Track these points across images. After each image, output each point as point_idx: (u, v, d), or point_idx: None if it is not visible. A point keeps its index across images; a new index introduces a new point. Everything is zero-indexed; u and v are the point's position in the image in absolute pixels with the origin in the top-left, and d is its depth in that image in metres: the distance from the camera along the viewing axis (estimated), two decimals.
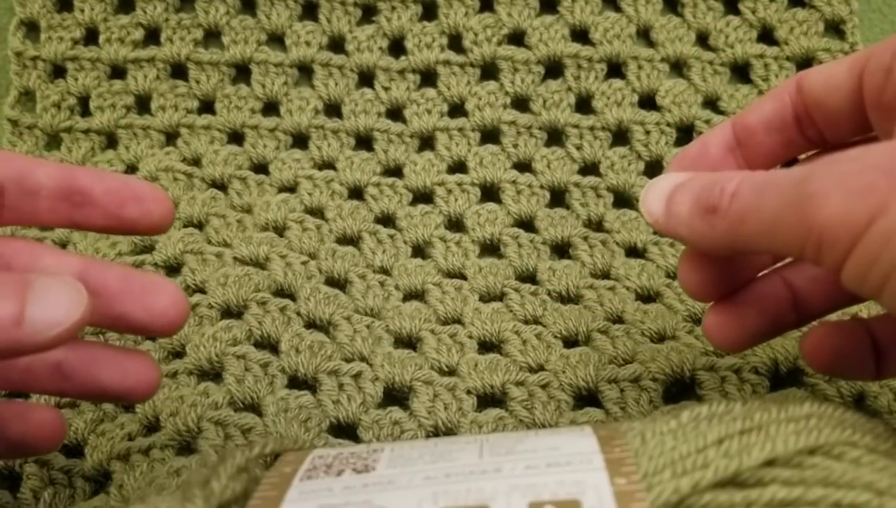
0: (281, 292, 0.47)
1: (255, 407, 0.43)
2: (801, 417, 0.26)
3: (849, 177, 0.24)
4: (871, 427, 0.26)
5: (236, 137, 0.55)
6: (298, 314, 0.46)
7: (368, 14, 0.55)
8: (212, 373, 0.44)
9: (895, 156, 0.24)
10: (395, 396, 0.44)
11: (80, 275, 0.32)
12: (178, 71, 0.56)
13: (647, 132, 0.52)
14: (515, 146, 0.53)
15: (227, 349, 0.44)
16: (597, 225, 0.51)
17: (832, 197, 0.24)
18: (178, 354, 0.45)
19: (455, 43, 0.55)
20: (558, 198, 0.52)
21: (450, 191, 0.52)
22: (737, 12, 0.54)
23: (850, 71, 0.32)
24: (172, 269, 0.49)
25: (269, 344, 0.45)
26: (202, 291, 0.47)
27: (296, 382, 0.44)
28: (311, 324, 0.46)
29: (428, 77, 0.55)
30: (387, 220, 0.52)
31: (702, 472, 0.23)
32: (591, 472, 0.24)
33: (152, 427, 0.42)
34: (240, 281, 0.46)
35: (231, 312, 0.46)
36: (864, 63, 0.31)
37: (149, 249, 0.49)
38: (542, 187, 0.52)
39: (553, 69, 0.54)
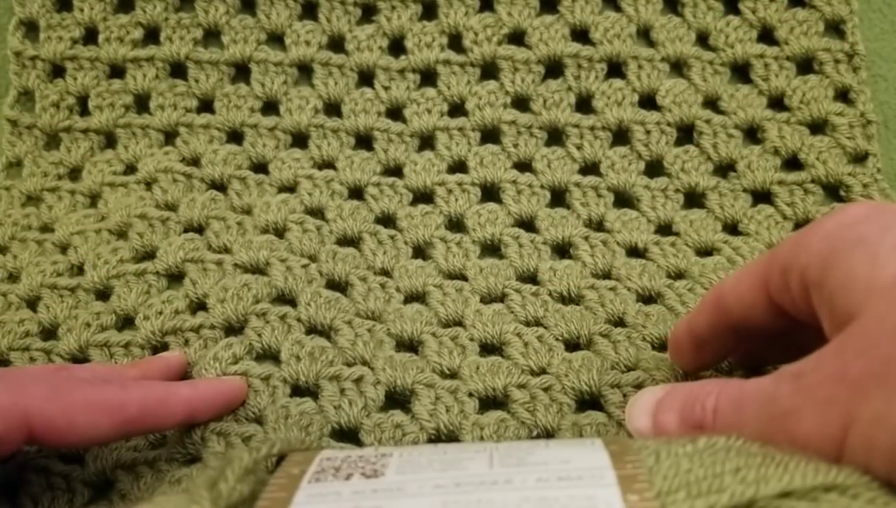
0: (281, 297, 0.47)
1: (258, 420, 0.43)
2: (820, 459, 0.26)
3: (811, 391, 0.27)
4: None
5: (235, 136, 0.55)
6: (299, 320, 0.46)
7: (368, 13, 0.55)
8: None
9: (840, 360, 0.27)
10: (397, 399, 0.44)
11: None
12: (178, 70, 0.56)
13: (648, 132, 0.52)
14: (516, 146, 0.53)
15: (227, 368, 0.44)
16: (597, 225, 0.51)
17: (804, 414, 0.27)
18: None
19: (455, 42, 0.55)
20: (559, 197, 0.52)
21: (450, 191, 0.52)
22: (737, 12, 0.54)
23: (756, 288, 0.34)
24: (174, 277, 0.49)
25: (270, 355, 0.45)
26: (203, 306, 0.47)
27: (297, 390, 0.44)
28: (312, 330, 0.46)
29: (428, 76, 0.55)
30: (387, 221, 0.51)
31: (717, 496, 0.23)
32: (602, 487, 0.24)
33: (158, 443, 0.42)
34: (238, 293, 0.46)
35: (233, 327, 0.46)
36: (765, 281, 0.33)
37: (150, 256, 0.49)
38: (542, 187, 0.52)
39: (553, 69, 0.54)
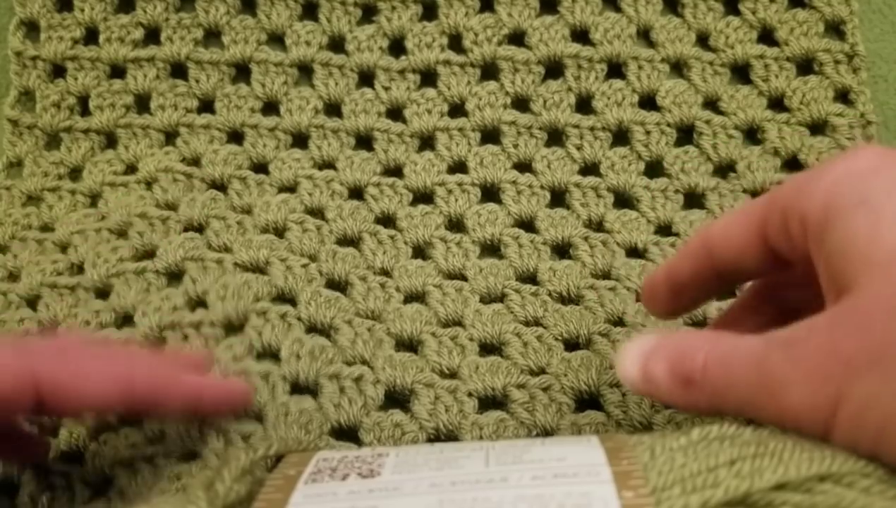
0: (281, 296, 0.47)
1: (257, 418, 0.43)
2: (813, 445, 0.26)
3: (803, 363, 0.27)
4: (883, 462, 0.26)
5: (236, 137, 0.55)
6: (299, 319, 0.46)
7: (368, 14, 0.55)
8: None
9: (834, 335, 0.26)
10: (397, 399, 0.44)
11: None
12: (178, 70, 0.56)
13: (648, 132, 0.52)
14: (516, 146, 0.53)
15: (228, 368, 0.44)
16: (597, 225, 0.51)
17: (794, 386, 0.27)
18: None
19: (455, 43, 0.55)
20: (559, 198, 0.52)
21: (450, 192, 0.52)
22: (737, 13, 0.54)
23: (751, 230, 0.33)
24: (173, 276, 0.49)
25: (270, 353, 0.45)
26: (204, 304, 0.47)
27: (297, 388, 0.44)
28: (312, 329, 0.46)
29: (428, 77, 0.55)
30: (387, 221, 0.51)
31: (712, 490, 0.23)
32: (598, 484, 0.24)
33: (156, 439, 0.42)
34: (238, 292, 0.46)
35: (233, 325, 0.46)
36: (762, 222, 0.32)
37: (150, 255, 0.49)
38: (542, 187, 0.52)
39: (553, 69, 0.54)
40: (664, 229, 0.51)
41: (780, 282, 0.36)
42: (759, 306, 0.38)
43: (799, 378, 0.26)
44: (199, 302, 0.47)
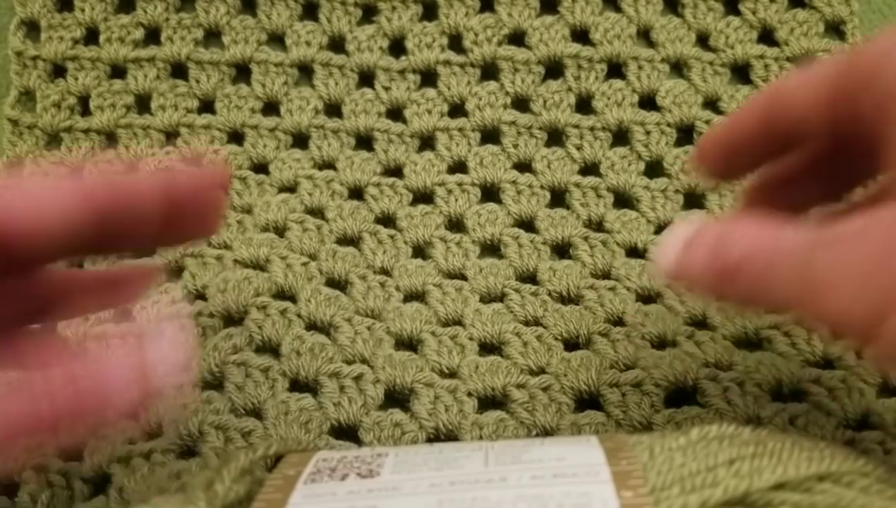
0: (281, 294, 0.47)
1: (256, 412, 0.43)
2: (812, 444, 0.26)
3: (852, 267, 0.25)
4: (883, 461, 0.26)
5: (236, 137, 0.55)
6: (299, 316, 0.46)
7: (369, 14, 0.55)
8: (214, 383, 0.44)
9: (890, 240, 0.24)
10: (397, 398, 0.44)
11: None
12: (178, 70, 0.56)
13: (648, 132, 0.52)
14: (516, 146, 0.53)
15: (227, 358, 0.44)
16: (597, 225, 0.51)
17: (839, 289, 0.25)
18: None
19: (455, 43, 0.55)
20: (559, 198, 0.52)
21: (450, 192, 0.52)
22: (737, 13, 0.54)
23: (821, 90, 0.30)
24: (173, 273, 0.49)
25: (270, 348, 0.45)
26: (203, 297, 0.47)
27: (297, 385, 0.44)
28: (311, 326, 0.46)
29: (428, 77, 0.55)
30: (387, 220, 0.51)
31: (711, 490, 0.23)
32: (597, 484, 0.24)
33: (154, 433, 0.42)
34: (239, 286, 0.46)
35: (232, 319, 0.46)
36: (834, 88, 0.29)
37: (149, 253, 0.49)
38: (542, 187, 0.52)
39: (553, 69, 0.54)
40: (664, 229, 0.51)
41: (831, 159, 0.33)
42: (804, 180, 0.35)
43: (845, 282, 0.25)
44: (198, 296, 0.47)
